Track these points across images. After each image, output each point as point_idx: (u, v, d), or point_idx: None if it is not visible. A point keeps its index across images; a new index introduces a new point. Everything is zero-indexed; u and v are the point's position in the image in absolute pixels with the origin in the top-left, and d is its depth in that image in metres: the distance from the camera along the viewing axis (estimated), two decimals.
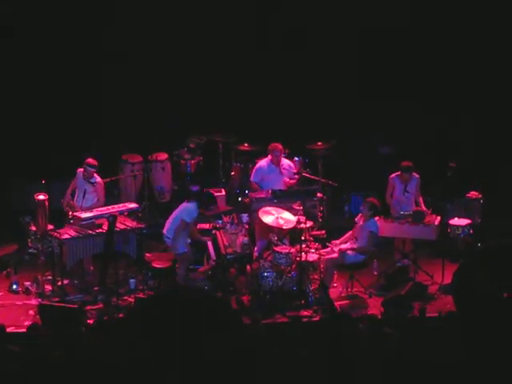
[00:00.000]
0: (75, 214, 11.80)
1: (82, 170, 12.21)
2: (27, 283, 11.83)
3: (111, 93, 14.72)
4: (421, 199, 12.42)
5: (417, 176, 12.44)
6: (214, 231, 12.10)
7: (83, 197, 12.11)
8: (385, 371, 7.18)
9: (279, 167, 12.81)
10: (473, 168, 14.02)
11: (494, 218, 12.90)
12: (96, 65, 14.63)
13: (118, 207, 12.03)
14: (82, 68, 14.59)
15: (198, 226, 12.18)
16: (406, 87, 14.74)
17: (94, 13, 14.43)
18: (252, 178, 13.00)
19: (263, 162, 12.96)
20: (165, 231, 11.73)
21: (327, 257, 11.61)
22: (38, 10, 14.31)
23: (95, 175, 12.20)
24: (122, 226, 11.71)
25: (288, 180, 12.81)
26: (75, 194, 12.29)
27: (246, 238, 11.97)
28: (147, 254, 12.24)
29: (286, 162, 13.03)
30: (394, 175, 12.50)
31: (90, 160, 12.16)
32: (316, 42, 14.77)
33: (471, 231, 12.16)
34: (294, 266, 11.45)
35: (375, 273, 12.28)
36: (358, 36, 14.68)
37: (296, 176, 12.95)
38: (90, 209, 11.97)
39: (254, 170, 13.07)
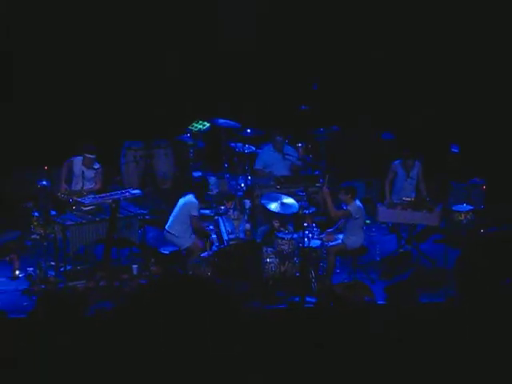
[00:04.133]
0: (78, 199, 11.81)
1: (79, 158, 12.30)
2: (30, 269, 11.86)
3: (113, 78, 14.70)
4: (423, 186, 12.43)
5: (419, 163, 12.44)
6: (216, 217, 12.11)
7: (83, 182, 12.14)
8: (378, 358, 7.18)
9: (282, 153, 12.80)
10: (476, 153, 13.99)
11: (497, 204, 12.90)
12: (98, 49, 14.62)
13: (121, 193, 12.05)
14: (84, 54, 14.58)
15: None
16: (407, 72, 14.75)
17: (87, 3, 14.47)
18: (255, 166, 12.99)
19: (266, 149, 12.96)
20: (167, 227, 11.75)
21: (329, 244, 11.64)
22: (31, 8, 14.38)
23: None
24: (125, 212, 11.73)
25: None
26: (71, 181, 12.37)
27: (248, 224, 11.97)
28: None
29: (289, 148, 13.04)
30: (396, 162, 12.49)
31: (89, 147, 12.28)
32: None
33: (474, 217, 12.16)
34: (296, 252, 11.46)
35: (377, 258, 12.30)
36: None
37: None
38: (90, 192, 12.03)
39: (257, 158, 13.05)
